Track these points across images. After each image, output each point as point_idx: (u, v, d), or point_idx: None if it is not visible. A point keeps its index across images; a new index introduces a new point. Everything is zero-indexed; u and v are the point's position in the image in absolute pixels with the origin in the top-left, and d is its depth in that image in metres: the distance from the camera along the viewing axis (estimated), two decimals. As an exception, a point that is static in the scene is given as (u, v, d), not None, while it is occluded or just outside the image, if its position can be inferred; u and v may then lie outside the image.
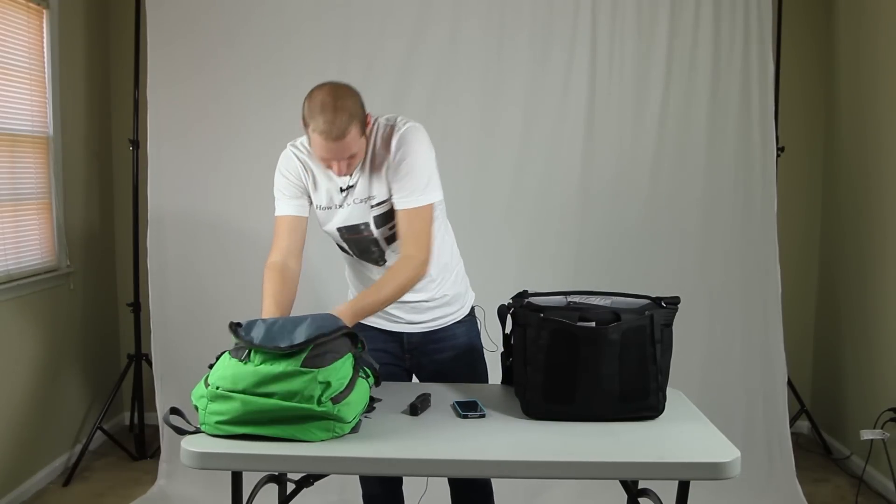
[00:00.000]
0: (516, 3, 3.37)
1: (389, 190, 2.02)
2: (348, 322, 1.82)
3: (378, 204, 2.04)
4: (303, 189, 2.09)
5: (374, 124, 2.02)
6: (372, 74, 3.35)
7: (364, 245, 2.11)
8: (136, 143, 3.59)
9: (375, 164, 2.02)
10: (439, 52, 3.37)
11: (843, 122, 3.76)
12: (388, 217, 2.05)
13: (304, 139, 2.09)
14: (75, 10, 3.61)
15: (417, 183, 1.98)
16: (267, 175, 3.32)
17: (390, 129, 2.00)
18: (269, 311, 1.92)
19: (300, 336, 1.66)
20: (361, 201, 2.05)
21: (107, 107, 3.95)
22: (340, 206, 2.08)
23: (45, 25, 3.37)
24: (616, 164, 3.41)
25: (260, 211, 3.37)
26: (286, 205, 2.09)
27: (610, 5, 3.36)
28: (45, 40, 3.37)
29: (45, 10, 3.37)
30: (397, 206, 2.00)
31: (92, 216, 3.81)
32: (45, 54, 3.38)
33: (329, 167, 1.97)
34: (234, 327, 1.73)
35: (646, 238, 3.41)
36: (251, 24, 3.37)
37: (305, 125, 1.91)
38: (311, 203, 2.12)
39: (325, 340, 1.67)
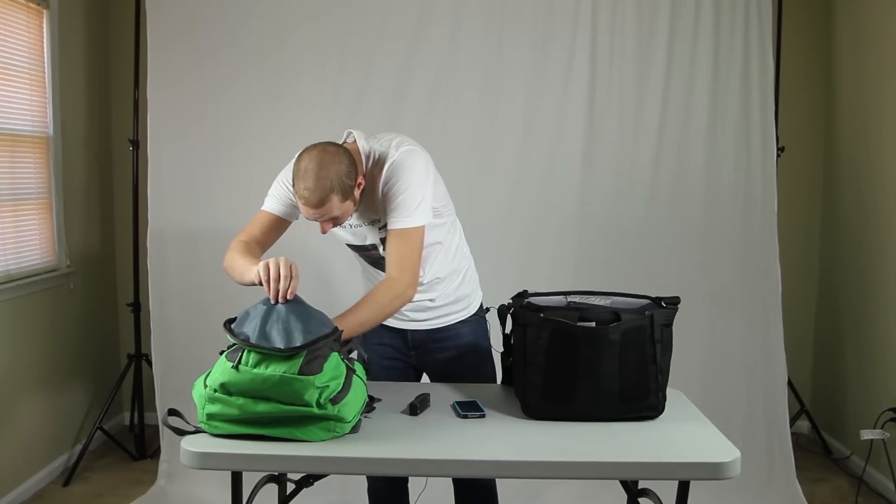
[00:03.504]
0: (516, 3, 3.37)
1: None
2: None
3: (383, 227, 2.04)
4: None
5: (370, 152, 2.01)
6: (372, 74, 3.35)
7: (372, 259, 2.17)
8: (136, 143, 3.59)
9: (374, 190, 2.01)
10: (439, 52, 3.37)
11: (843, 122, 3.76)
12: None
13: None
14: (75, 10, 3.61)
15: (406, 207, 1.95)
16: (267, 175, 3.30)
17: (383, 158, 1.99)
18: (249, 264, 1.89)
19: (297, 337, 1.65)
20: (369, 224, 2.08)
21: (107, 107, 3.95)
22: (349, 227, 2.11)
23: (45, 25, 3.37)
24: (616, 163, 3.41)
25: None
26: (277, 205, 2.09)
27: (610, 5, 3.36)
28: (45, 40, 3.37)
29: (45, 10, 3.36)
30: (388, 228, 1.99)
31: (92, 216, 3.81)
32: (45, 54, 3.38)
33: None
34: (228, 325, 1.73)
35: (646, 238, 3.41)
36: (251, 25, 3.37)
37: (293, 184, 1.93)
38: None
39: (322, 345, 1.66)
